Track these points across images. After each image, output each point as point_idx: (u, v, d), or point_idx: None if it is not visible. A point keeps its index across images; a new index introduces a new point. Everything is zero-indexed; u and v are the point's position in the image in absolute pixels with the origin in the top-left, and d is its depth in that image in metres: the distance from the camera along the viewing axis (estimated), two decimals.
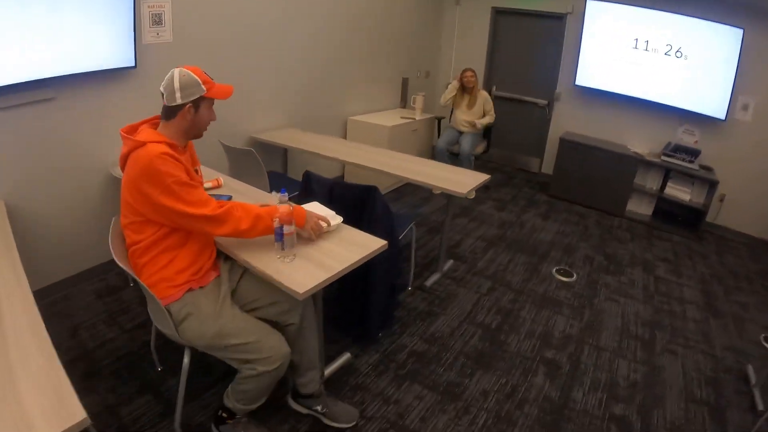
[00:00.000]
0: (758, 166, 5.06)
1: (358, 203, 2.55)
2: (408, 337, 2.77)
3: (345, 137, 4.74)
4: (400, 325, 2.87)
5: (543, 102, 6.25)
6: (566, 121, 6.06)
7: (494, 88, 6.53)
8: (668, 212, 5.54)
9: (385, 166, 3.26)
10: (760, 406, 2.71)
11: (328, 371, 2.48)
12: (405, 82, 5.89)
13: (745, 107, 5.01)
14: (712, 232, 5.43)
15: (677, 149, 5.25)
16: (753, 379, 2.94)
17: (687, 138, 5.39)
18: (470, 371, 2.72)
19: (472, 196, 5.18)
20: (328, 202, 2.26)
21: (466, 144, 5.13)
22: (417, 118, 5.34)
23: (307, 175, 2.76)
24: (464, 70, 4.90)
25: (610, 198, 5.51)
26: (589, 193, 5.60)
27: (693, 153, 5.15)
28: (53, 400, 1.10)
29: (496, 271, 3.87)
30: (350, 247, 1.96)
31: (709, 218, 5.27)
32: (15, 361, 1.22)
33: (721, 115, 5.02)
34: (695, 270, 4.45)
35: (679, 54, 5.18)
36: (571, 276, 3.96)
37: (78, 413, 1.06)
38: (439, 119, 5.77)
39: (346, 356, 2.66)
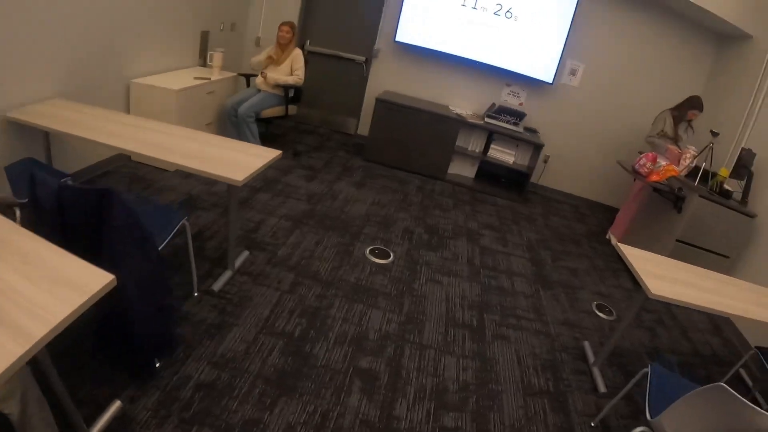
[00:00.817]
0: (582, 130, 6.07)
1: (95, 212, 2.15)
2: (194, 363, 2.51)
3: (128, 105, 4.32)
4: (185, 347, 2.60)
5: (360, 59, 6.41)
6: (385, 80, 6.36)
7: (308, 43, 6.49)
8: (492, 175, 6.18)
9: (154, 149, 2.88)
10: (601, 388, 2.98)
11: None
12: (205, 36, 5.54)
13: (573, 72, 5.91)
14: (537, 193, 6.21)
15: (501, 111, 5.83)
16: (591, 357, 3.24)
17: (512, 100, 6.11)
18: (270, 401, 2.50)
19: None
20: (58, 214, 1.96)
21: (248, 102, 4.99)
22: (213, 78, 5.04)
23: (32, 174, 2.25)
24: (281, 24, 5.06)
25: (431, 162, 5.90)
26: (409, 157, 5.91)
27: (518, 115, 5.82)
28: None
29: (301, 258, 3.69)
30: (61, 290, 1.57)
31: (533, 179, 6.03)
32: None
33: (549, 79, 5.79)
34: (522, 236, 4.93)
35: (509, 14, 5.69)
36: (388, 257, 3.96)
37: None
38: (248, 77, 5.45)
39: (115, 405, 2.27)
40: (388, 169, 5.90)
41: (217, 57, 5.16)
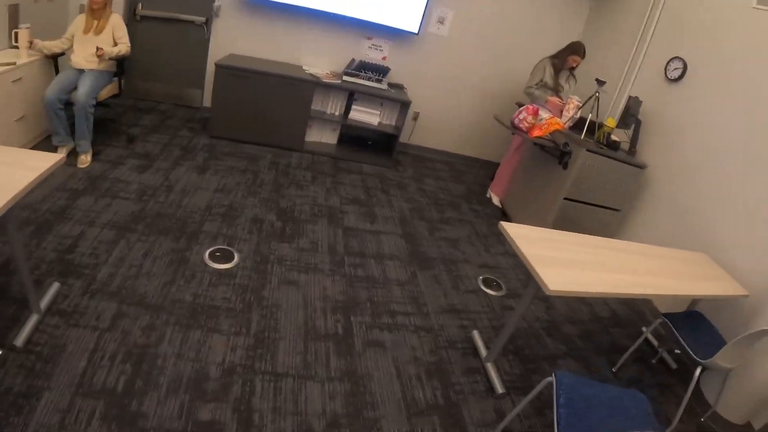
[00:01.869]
0: (454, 83, 5.63)
1: None
2: None
3: None
4: None
5: (200, 19, 5.53)
6: (229, 42, 5.55)
7: (140, 6, 5.57)
8: (357, 139, 5.61)
9: None
10: (499, 388, 2.57)
11: None
12: (14, 11, 4.41)
13: (442, 20, 5.40)
14: (408, 154, 5.73)
15: (362, 67, 5.21)
16: (482, 350, 2.82)
17: (374, 54, 5.48)
18: None
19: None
20: None
21: (83, 88, 4.09)
22: (19, 62, 4.05)
23: None
24: None
25: (286, 131, 5.24)
26: (260, 129, 5.21)
27: (381, 71, 5.24)
28: None
29: (126, 279, 2.95)
30: None
31: (403, 139, 5.53)
32: None
33: (415, 29, 5.23)
34: (392, 207, 4.41)
35: None
36: (232, 259, 3.28)
37: None
38: (56, 56, 4.39)
39: None
40: (237, 145, 5.15)
41: (22, 35, 4.22)
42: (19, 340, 2.36)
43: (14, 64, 3.92)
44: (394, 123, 5.45)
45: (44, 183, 3.48)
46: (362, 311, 2.99)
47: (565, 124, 4.03)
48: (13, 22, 4.50)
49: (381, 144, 5.63)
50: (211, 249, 3.33)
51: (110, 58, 4.18)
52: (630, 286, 2.43)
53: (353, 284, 3.22)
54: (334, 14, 5.15)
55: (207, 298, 2.88)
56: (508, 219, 4.48)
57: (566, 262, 2.40)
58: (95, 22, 4.27)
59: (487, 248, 4.00)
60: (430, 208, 4.52)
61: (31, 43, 4.13)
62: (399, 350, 2.74)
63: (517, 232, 2.50)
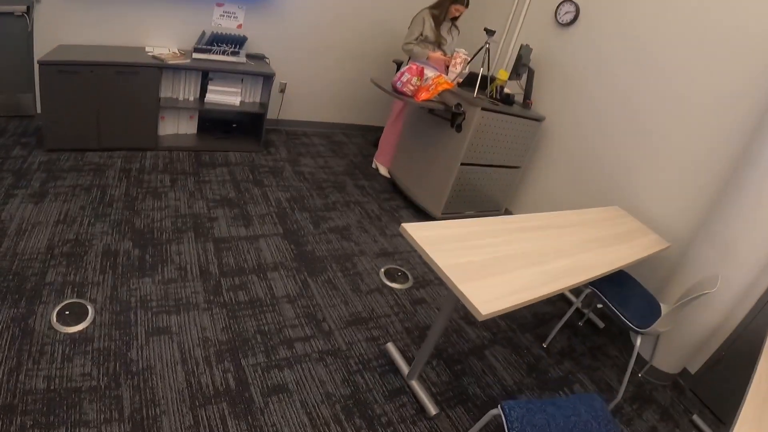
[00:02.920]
0: (321, 45, 5.15)
1: None
2: None
3: None
4: None
5: (20, 8, 4.55)
6: (57, 31, 4.67)
7: None
8: (220, 123, 5.08)
9: None
10: (431, 409, 2.34)
11: None
12: None
13: None
14: (280, 131, 5.28)
15: (216, 40, 4.59)
16: (402, 365, 2.55)
17: (228, 23, 4.81)
18: None
19: None
20: None
21: None
22: None
23: None
24: None
25: (134, 129, 4.59)
26: (103, 131, 4.51)
27: (237, 42, 4.63)
28: None
29: None
30: None
31: (271, 115, 5.07)
32: None
33: None
34: (269, 201, 3.99)
35: None
36: (85, 316, 2.76)
37: None
38: None
39: None
40: (80, 156, 4.46)
41: None
42: None
43: None
44: (258, 100, 4.92)
45: None
46: (253, 349, 2.61)
47: (453, 81, 3.69)
48: None
49: (248, 126, 5.10)
50: (58, 307, 2.77)
51: None
52: (568, 276, 2.24)
53: (236, 314, 2.81)
54: None
55: (64, 380, 2.37)
56: (399, 191, 4.22)
57: (489, 266, 2.12)
58: None
59: (382, 231, 3.73)
60: (311, 194, 4.15)
61: None
62: (306, 390, 2.42)
63: (423, 235, 2.17)
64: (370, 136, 5.38)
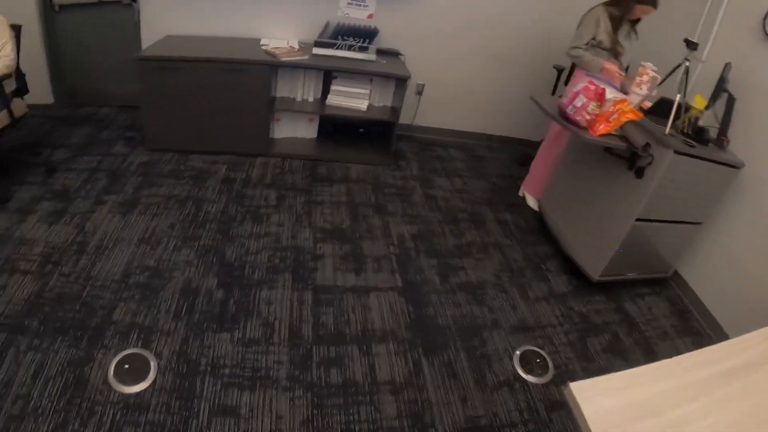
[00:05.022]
0: (466, 41, 4.74)
1: None
2: None
3: None
4: None
5: None
6: (164, 21, 4.77)
7: None
8: (343, 128, 4.84)
9: None
10: None
11: None
12: None
13: None
14: (413, 139, 4.99)
15: (341, 33, 4.34)
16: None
17: (356, 12, 4.56)
18: None
19: None
20: None
21: None
22: None
23: None
24: None
25: (244, 131, 4.50)
26: (210, 132, 4.49)
27: (366, 34, 4.35)
28: None
29: (9, 422, 2.34)
30: None
31: (406, 119, 4.79)
32: None
33: None
34: (389, 237, 3.67)
35: None
36: (146, 374, 2.60)
37: None
38: None
39: None
40: (182, 159, 4.45)
41: None
42: None
43: None
44: (390, 104, 4.60)
45: None
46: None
47: (636, 103, 3.09)
48: None
49: (376, 132, 4.80)
50: (119, 357, 2.64)
51: None
52: None
53: (323, 402, 2.47)
54: None
55: None
56: (548, 233, 3.69)
57: None
58: None
59: (524, 292, 3.22)
60: (443, 229, 3.73)
61: None
62: None
63: (600, 409, 1.42)
64: (518, 152, 4.88)
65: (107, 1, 4.90)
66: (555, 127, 3.83)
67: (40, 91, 4.95)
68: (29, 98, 4.00)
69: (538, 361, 2.75)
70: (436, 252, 3.45)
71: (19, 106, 3.79)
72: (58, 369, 2.55)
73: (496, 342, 2.84)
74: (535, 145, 4.35)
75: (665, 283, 3.42)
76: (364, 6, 4.54)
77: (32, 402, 2.40)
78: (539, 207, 3.98)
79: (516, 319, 2.98)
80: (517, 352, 2.78)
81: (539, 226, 3.75)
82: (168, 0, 4.57)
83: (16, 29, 3.72)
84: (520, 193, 4.23)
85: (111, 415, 2.35)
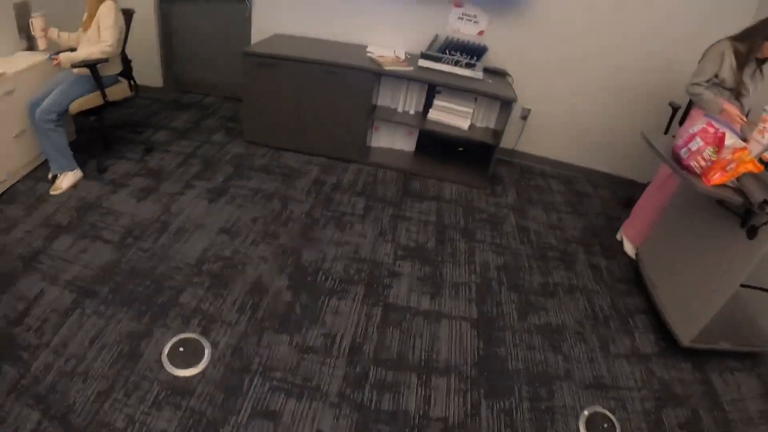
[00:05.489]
0: (577, 68, 4.51)
1: None
2: None
3: None
4: None
5: None
6: (273, 19, 4.93)
7: None
8: (442, 145, 4.70)
9: None
10: None
11: None
12: (23, 8, 4.13)
13: None
14: (513, 164, 4.77)
15: (449, 47, 4.24)
16: None
17: (467, 28, 4.45)
18: None
19: None
20: None
21: (51, 98, 3.70)
22: (10, 72, 3.75)
23: None
24: None
25: (341, 136, 4.48)
26: (307, 133, 4.53)
27: (475, 51, 4.23)
28: None
29: (60, 376, 2.43)
30: None
31: (508, 144, 4.64)
32: None
33: None
34: (473, 264, 3.47)
35: None
36: (199, 359, 2.57)
37: None
38: (91, 64, 3.85)
39: None
40: (276, 155, 4.53)
41: (37, 23, 3.89)
42: None
43: (2, 75, 3.64)
44: (492, 126, 4.44)
45: (30, 216, 3.37)
46: None
47: (755, 153, 2.80)
48: (24, 19, 4.19)
49: (475, 153, 4.64)
50: (176, 338, 2.65)
51: (75, 65, 3.63)
52: None
53: (367, 427, 2.31)
54: None
55: (143, 430, 2.21)
56: (642, 285, 3.37)
57: None
58: (89, 14, 3.82)
59: (605, 345, 2.93)
60: (531, 264, 3.50)
61: (45, 32, 3.86)
62: None
63: None
64: (622, 191, 4.57)
65: None
66: (665, 169, 3.53)
67: (151, 74, 5.24)
68: (140, 80, 4.19)
69: (605, 426, 2.48)
70: (518, 287, 3.23)
71: (121, 88, 4.00)
72: (116, 338, 2.61)
73: (564, 396, 2.59)
74: (640, 187, 4.03)
75: (760, 360, 3.03)
76: (475, 22, 4.42)
77: (84, 363, 2.46)
78: (636, 255, 3.68)
79: (591, 374, 2.72)
80: (585, 412, 2.52)
81: (634, 275, 3.45)
82: (280, 0, 4.65)
83: (129, 14, 3.91)
84: (618, 237, 3.93)
85: (155, 393, 2.36)
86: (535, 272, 3.40)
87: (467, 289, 3.17)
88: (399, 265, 3.30)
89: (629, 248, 3.78)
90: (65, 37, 3.93)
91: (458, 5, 4.35)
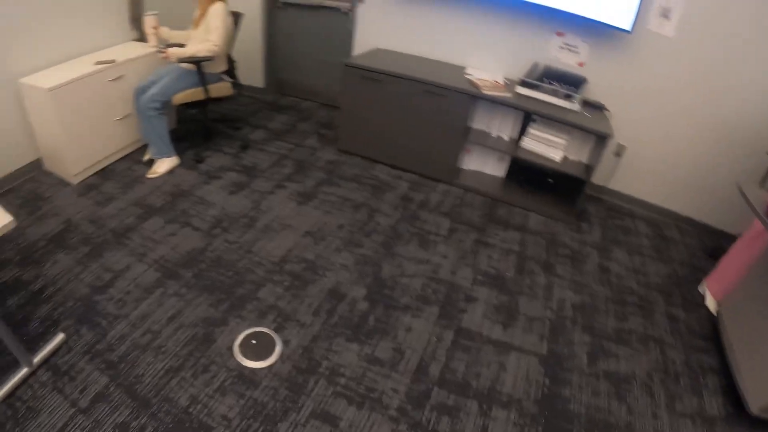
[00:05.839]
0: (680, 108, 4.28)
1: None
2: None
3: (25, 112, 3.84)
4: None
5: (346, 6, 5.19)
6: (376, 32, 5.06)
7: None
8: (532, 174, 4.63)
9: None
10: None
11: None
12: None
13: (666, 14, 4.02)
14: (602, 202, 4.65)
15: (548, 76, 4.19)
16: None
17: (567, 58, 4.38)
18: None
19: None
20: None
21: (153, 87, 4.03)
22: (121, 59, 4.16)
23: None
24: None
25: (433, 155, 4.50)
26: (399, 148, 4.59)
27: (574, 82, 4.15)
28: None
29: (133, 348, 2.65)
30: None
31: (599, 180, 4.55)
32: None
33: (626, 25, 3.97)
34: (549, 299, 3.40)
35: None
36: (269, 354, 2.70)
37: None
38: (197, 60, 4.19)
39: None
40: (367, 166, 4.63)
41: (149, 21, 4.19)
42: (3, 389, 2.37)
43: (113, 62, 3.99)
44: (585, 161, 4.34)
45: (125, 194, 3.67)
46: None
47: None
48: (137, 10, 4.54)
49: (564, 186, 4.55)
50: (250, 331, 2.79)
51: (181, 60, 3.91)
52: None
53: None
54: None
55: (204, 410, 2.36)
56: (719, 345, 3.19)
57: None
58: (199, 13, 4.09)
59: (671, 402, 2.79)
60: (607, 307, 3.40)
61: (156, 30, 4.12)
62: None
63: None
64: (710, 241, 4.34)
65: (328, 6, 5.25)
66: (757, 224, 3.38)
67: (254, 74, 5.50)
68: (243, 79, 4.46)
69: None
70: (592, 329, 3.15)
71: (224, 87, 4.24)
72: (192, 321, 2.77)
73: None
74: (730, 239, 3.81)
75: None
76: (576, 52, 4.32)
77: (159, 340, 2.64)
78: (717, 311, 3.53)
79: (652, 429, 2.63)
80: None
81: (712, 332, 3.29)
82: (383, 15, 4.78)
83: (237, 17, 4.16)
84: (701, 289, 3.75)
85: (222, 379, 2.49)
86: (611, 316, 3.31)
87: (541, 324, 3.12)
88: (475, 291, 3.29)
89: (711, 303, 3.62)
90: (174, 35, 4.20)
91: (560, 34, 4.29)
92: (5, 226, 2.10)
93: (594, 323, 3.21)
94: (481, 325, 3.04)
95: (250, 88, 5.56)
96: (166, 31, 4.17)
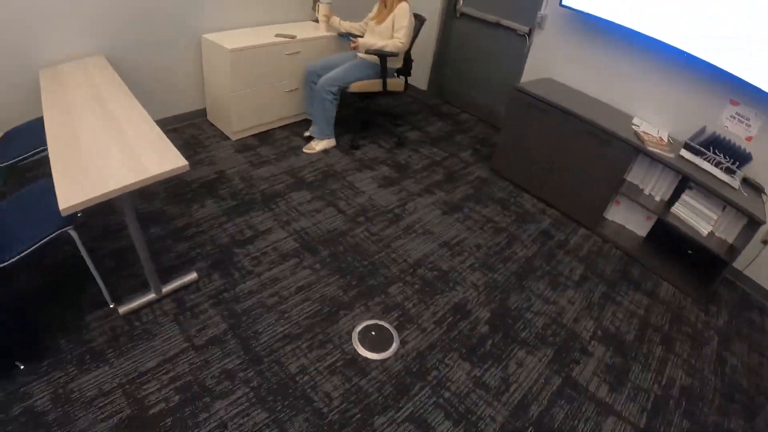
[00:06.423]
0: None
1: None
2: (41, 386, 2.38)
3: (201, 61, 4.62)
4: (55, 362, 2.49)
5: (523, 29, 5.24)
6: (548, 62, 5.03)
7: (461, 2, 5.69)
8: (675, 240, 4.44)
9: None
10: None
11: None
12: None
13: None
14: (735, 288, 4.39)
15: (713, 144, 4.00)
16: None
17: (736, 128, 4.13)
18: None
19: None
20: None
21: (331, 72, 4.40)
22: (302, 36, 4.70)
23: None
24: None
25: (581, 197, 4.49)
26: (549, 180, 4.59)
27: (738, 157, 3.92)
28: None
29: (258, 306, 2.95)
30: None
31: (739, 265, 4.29)
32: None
33: None
34: (659, 375, 3.34)
35: None
36: (386, 348, 2.90)
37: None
38: (383, 54, 4.54)
39: None
40: (515, 191, 4.69)
41: (322, 8, 4.72)
42: (124, 308, 2.78)
43: (293, 37, 4.42)
44: (730, 241, 4.10)
45: (279, 161, 4.08)
46: None
47: None
48: None
49: (703, 261, 4.34)
50: (372, 322, 2.98)
51: (368, 52, 4.21)
52: None
53: None
54: (688, 54, 3.96)
55: (309, 382, 2.59)
56: None
57: None
58: (384, 10, 4.40)
59: None
60: (714, 399, 3.28)
61: (328, 18, 4.59)
62: None
63: None
64: None
65: (505, 26, 5.30)
66: None
67: (419, 76, 5.75)
68: (409, 79, 4.71)
69: None
70: (693, 416, 3.09)
71: (397, 83, 4.53)
72: (320, 297, 3.03)
73: None
74: None
75: None
76: (747, 124, 4.03)
77: (284, 305, 2.92)
78: None
79: None
80: None
81: None
82: (559, 46, 4.77)
83: (420, 20, 4.46)
84: None
85: (334, 359, 2.69)
86: (714, 408, 3.22)
87: (645, 397, 3.10)
88: (591, 345, 3.30)
89: None
90: (346, 25, 4.60)
91: (734, 103, 4.05)
92: (180, 168, 2.40)
93: (696, 410, 3.14)
94: (590, 380, 3.06)
95: (413, 88, 5.77)
96: (337, 21, 4.60)
